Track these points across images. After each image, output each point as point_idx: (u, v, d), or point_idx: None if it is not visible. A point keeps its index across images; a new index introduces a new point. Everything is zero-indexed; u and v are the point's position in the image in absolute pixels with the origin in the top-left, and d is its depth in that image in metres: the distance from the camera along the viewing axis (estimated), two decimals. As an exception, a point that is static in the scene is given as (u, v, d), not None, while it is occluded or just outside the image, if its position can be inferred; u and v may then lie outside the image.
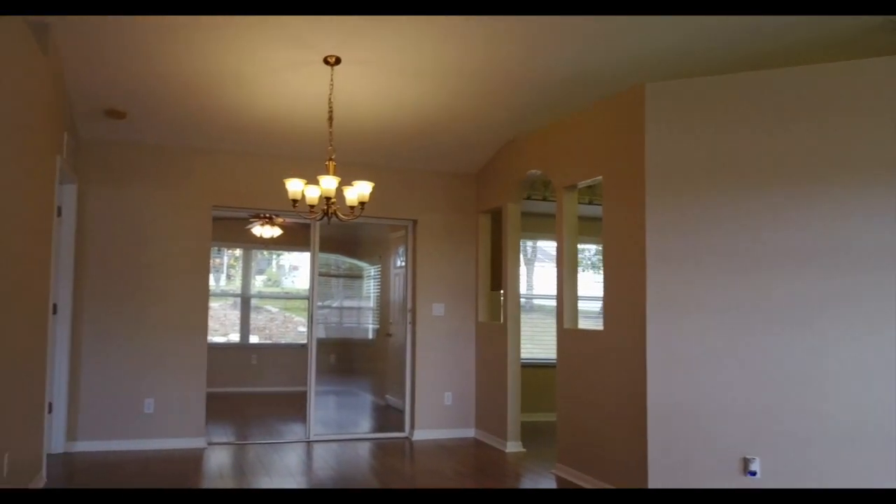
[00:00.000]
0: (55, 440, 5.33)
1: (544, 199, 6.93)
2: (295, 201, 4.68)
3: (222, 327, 10.26)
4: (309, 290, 6.53)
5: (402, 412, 6.84)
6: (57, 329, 5.33)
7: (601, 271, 9.04)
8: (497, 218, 6.75)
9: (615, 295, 4.68)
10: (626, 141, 4.58)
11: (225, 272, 10.57)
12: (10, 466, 3.66)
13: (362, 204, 4.71)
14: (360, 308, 10.40)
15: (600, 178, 4.87)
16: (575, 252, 5.32)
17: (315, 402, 6.46)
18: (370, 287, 10.10)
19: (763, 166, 4.28)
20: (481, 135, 5.98)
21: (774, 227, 4.25)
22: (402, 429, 6.70)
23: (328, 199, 4.61)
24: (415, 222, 6.69)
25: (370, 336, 9.95)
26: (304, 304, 10.70)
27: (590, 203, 7.19)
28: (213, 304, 9.94)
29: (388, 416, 7.77)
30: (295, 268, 11.52)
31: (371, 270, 9.91)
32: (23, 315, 3.88)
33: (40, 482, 4.50)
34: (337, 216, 4.80)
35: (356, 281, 10.40)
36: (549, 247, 8.84)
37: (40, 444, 4.50)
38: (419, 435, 6.50)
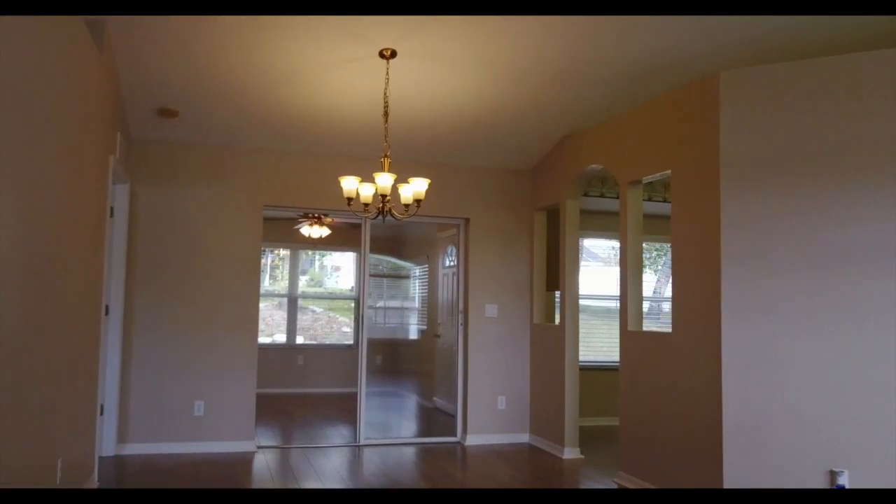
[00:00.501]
0: (106, 443, 5.28)
1: (601, 196, 6.68)
2: (350, 199, 4.53)
3: (268, 328, 10.22)
4: (359, 290, 6.37)
5: (451, 415, 6.67)
6: (109, 330, 5.28)
7: (652, 271, 8.75)
8: (553, 216, 6.53)
9: (685, 296, 4.42)
10: (698, 132, 4.33)
11: (268, 272, 10.53)
12: (63, 471, 3.57)
13: (418, 202, 4.54)
14: (404, 308, 10.27)
15: (668, 172, 4.63)
16: (640, 251, 5.07)
17: (365, 404, 6.31)
18: (415, 287, 9.97)
19: (848, 156, 3.99)
20: (538, 129, 5.76)
21: (861, 221, 3.95)
22: (453, 433, 6.52)
23: (383, 196, 4.45)
24: (467, 220, 6.51)
25: (415, 336, 9.81)
26: (347, 304, 10.62)
27: (649, 199, 6.90)
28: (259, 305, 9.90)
29: (437, 420, 7.61)
30: (337, 268, 11.48)
31: (416, 270, 9.77)
32: (76, 317, 3.80)
33: (92, 486, 4.43)
34: (391, 214, 4.64)
35: (400, 281, 10.28)
36: (595, 246, 8.58)
37: (92, 446, 4.43)
38: (472, 440, 6.32)
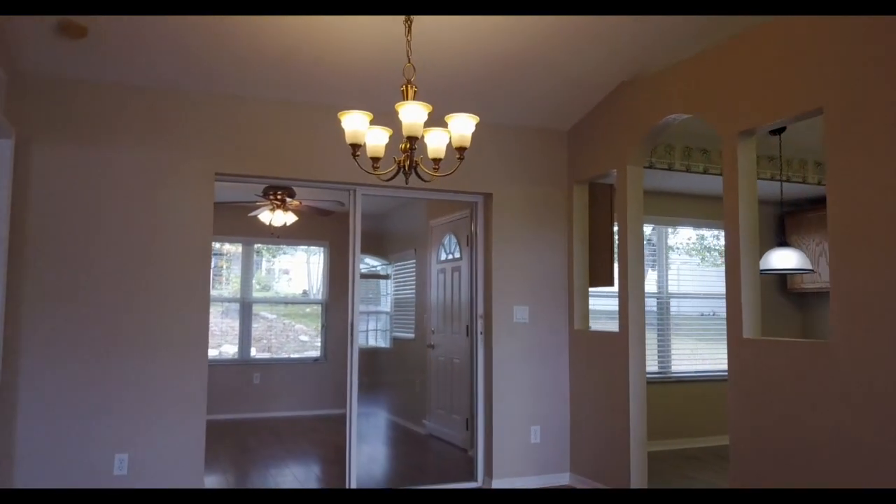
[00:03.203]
0: (-18, 522, 3.53)
1: (650, 167, 5.23)
2: (355, 148, 2.97)
3: (212, 339, 8.50)
4: (350, 291, 4.76)
5: (452, 445, 5.19)
6: (-16, 354, 3.55)
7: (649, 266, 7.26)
8: (596, 191, 5.09)
9: (854, 290, 2.99)
10: (880, 50, 2.90)
11: (211, 274, 8.77)
12: None
13: (461, 151, 3.00)
14: (377, 313, 8.73)
15: (819, 109, 3.19)
16: (755, 232, 3.63)
17: (356, 440, 4.71)
18: (388, 288, 8.44)
19: None
20: (584, 74, 4.29)
21: None
22: (469, 475, 4.98)
23: (411, 141, 2.90)
24: (488, 196, 4.96)
25: (389, 346, 8.28)
26: (301, 309, 8.98)
27: (688, 171, 5.45)
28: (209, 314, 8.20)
29: (439, 453, 6.05)
30: (285, 271, 9.89)
31: (390, 269, 8.24)
32: None
33: None
34: (417, 173, 3.10)
35: (372, 282, 8.73)
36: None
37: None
38: (498, 484, 4.78)
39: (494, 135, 4.89)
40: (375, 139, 3.09)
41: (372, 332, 8.91)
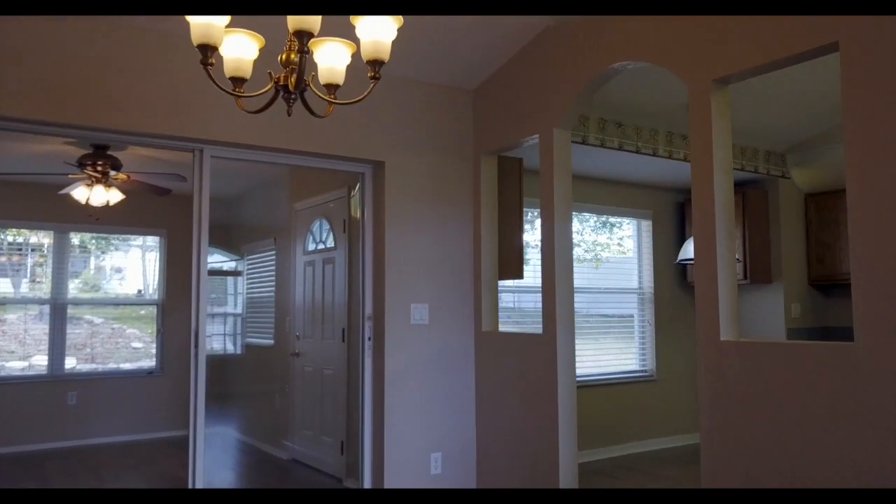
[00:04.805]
0: None
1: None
2: (208, 53, 1.88)
3: (22, 348, 6.82)
4: (194, 287, 3.56)
5: (321, 472, 4.22)
6: None
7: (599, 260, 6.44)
8: (504, 166, 4.24)
9: (881, 281, 2.31)
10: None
11: (29, 272, 7.05)
12: None
13: (376, 67, 1.99)
14: (215, 314, 7.50)
15: (832, 44, 2.47)
16: (730, 208, 2.90)
17: (202, 469, 3.54)
18: (239, 286, 7.24)
19: None
20: (497, 15, 3.40)
21: None
22: (350, 516, 3.95)
23: (301, 40, 1.86)
24: (379, 166, 3.94)
25: (238, 351, 7.11)
26: (135, 311, 7.52)
27: (602, 146, 4.71)
28: (6, 316, 6.55)
29: (306, 482, 4.95)
30: (118, 270, 8.34)
31: (241, 264, 7.05)
32: None
33: None
34: (304, 101, 2.06)
35: (217, 279, 7.48)
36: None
37: None
38: (388, 529, 3.79)
39: (386, 90, 3.87)
40: (238, 49, 2.01)
41: (218, 337, 7.63)
